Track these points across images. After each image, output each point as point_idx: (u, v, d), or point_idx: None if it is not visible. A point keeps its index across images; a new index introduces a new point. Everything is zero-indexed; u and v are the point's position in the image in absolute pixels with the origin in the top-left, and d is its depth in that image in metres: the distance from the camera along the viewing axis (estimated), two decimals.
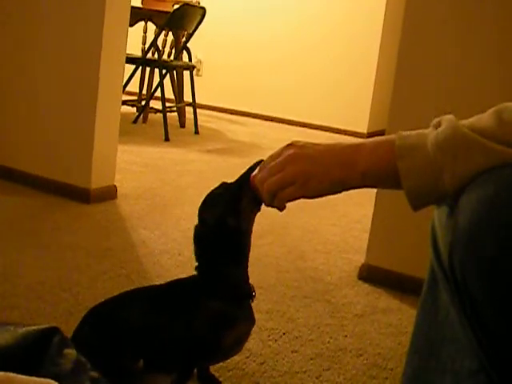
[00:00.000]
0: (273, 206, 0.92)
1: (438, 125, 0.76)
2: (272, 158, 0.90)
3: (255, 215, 1.18)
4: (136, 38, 4.51)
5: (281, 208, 0.91)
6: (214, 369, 1.39)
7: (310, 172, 0.84)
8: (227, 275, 1.20)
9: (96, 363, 1.16)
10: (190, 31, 4.50)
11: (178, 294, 1.25)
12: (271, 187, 0.88)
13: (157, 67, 4.38)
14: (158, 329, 1.22)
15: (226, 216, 1.15)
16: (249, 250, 1.23)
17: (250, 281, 1.27)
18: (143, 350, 1.26)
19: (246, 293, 1.23)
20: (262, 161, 0.99)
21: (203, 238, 1.19)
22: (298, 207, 2.88)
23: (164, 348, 1.24)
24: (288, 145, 0.88)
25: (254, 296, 1.25)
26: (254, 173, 0.96)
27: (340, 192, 0.85)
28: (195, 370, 1.34)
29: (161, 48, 4.54)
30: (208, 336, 1.19)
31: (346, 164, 0.82)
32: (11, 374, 0.98)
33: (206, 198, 1.20)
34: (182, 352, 1.23)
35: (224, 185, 1.19)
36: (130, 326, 1.23)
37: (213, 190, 1.20)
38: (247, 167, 1.08)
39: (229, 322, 1.19)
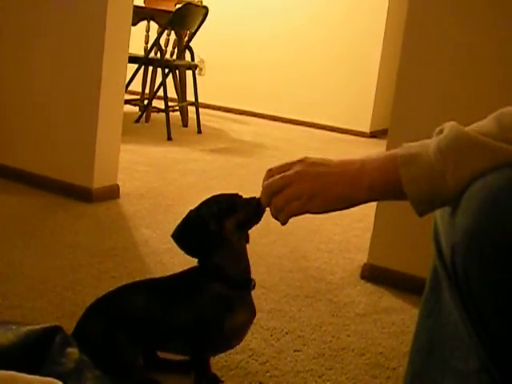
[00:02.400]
0: (277, 219, 0.95)
1: (441, 132, 0.76)
2: (280, 169, 0.92)
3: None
4: (138, 38, 4.52)
5: (284, 223, 0.94)
6: (216, 368, 1.40)
7: (316, 188, 0.86)
8: (218, 265, 1.25)
9: (99, 357, 1.17)
10: (193, 30, 4.50)
11: (180, 280, 1.31)
12: (278, 203, 0.91)
13: (159, 66, 4.38)
14: (163, 315, 1.27)
15: (210, 220, 1.23)
16: (240, 247, 1.27)
17: (253, 279, 1.29)
18: (148, 340, 1.29)
19: (242, 282, 1.28)
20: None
21: (190, 225, 1.25)
22: None
23: (169, 334, 1.29)
24: (298, 160, 0.91)
25: (253, 287, 1.29)
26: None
27: (347, 208, 0.86)
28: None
29: (163, 47, 4.54)
30: (210, 317, 1.24)
31: (352, 180, 0.84)
32: (14, 373, 0.98)
33: (211, 197, 1.27)
34: (187, 337, 1.27)
35: (234, 195, 1.26)
36: (134, 316, 1.27)
37: (221, 194, 1.27)
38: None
39: (229, 305, 1.24)
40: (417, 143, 0.78)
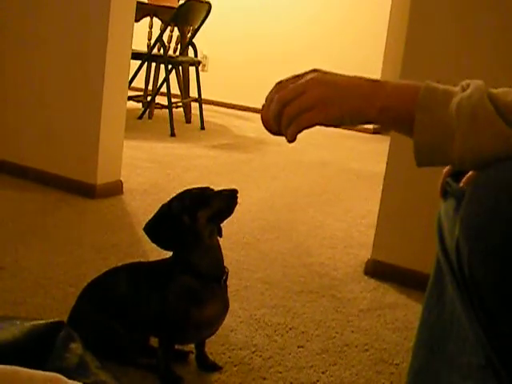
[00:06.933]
0: (283, 135, 0.89)
1: (466, 87, 0.75)
2: (292, 80, 0.86)
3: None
4: (142, 34, 4.51)
5: (292, 139, 0.88)
6: (220, 363, 1.40)
7: (332, 98, 0.81)
8: (189, 260, 1.28)
9: (91, 331, 1.28)
10: (196, 26, 4.49)
11: (156, 269, 1.37)
12: (292, 110, 0.84)
13: (162, 63, 4.38)
14: (138, 297, 1.32)
15: (182, 213, 1.26)
16: (212, 241, 1.30)
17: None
18: (127, 321, 1.34)
19: (212, 277, 1.29)
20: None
21: (162, 219, 1.29)
22: (303, 202, 2.89)
23: (141, 317, 1.33)
24: (311, 70, 0.85)
25: (225, 280, 1.31)
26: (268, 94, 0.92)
27: (355, 124, 0.83)
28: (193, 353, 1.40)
29: (166, 43, 4.53)
30: (176, 308, 1.27)
31: (366, 96, 0.80)
32: (18, 368, 0.98)
33: (184, 191, 1.30)
34: (155, 323, 1.31)
35: (205, 188, 1.29)
36: (116, 292, 1.35)
37: (193, 188, 1.30)
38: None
39: (196, 298, 1.27)
40: (441, 88, 0.76)
